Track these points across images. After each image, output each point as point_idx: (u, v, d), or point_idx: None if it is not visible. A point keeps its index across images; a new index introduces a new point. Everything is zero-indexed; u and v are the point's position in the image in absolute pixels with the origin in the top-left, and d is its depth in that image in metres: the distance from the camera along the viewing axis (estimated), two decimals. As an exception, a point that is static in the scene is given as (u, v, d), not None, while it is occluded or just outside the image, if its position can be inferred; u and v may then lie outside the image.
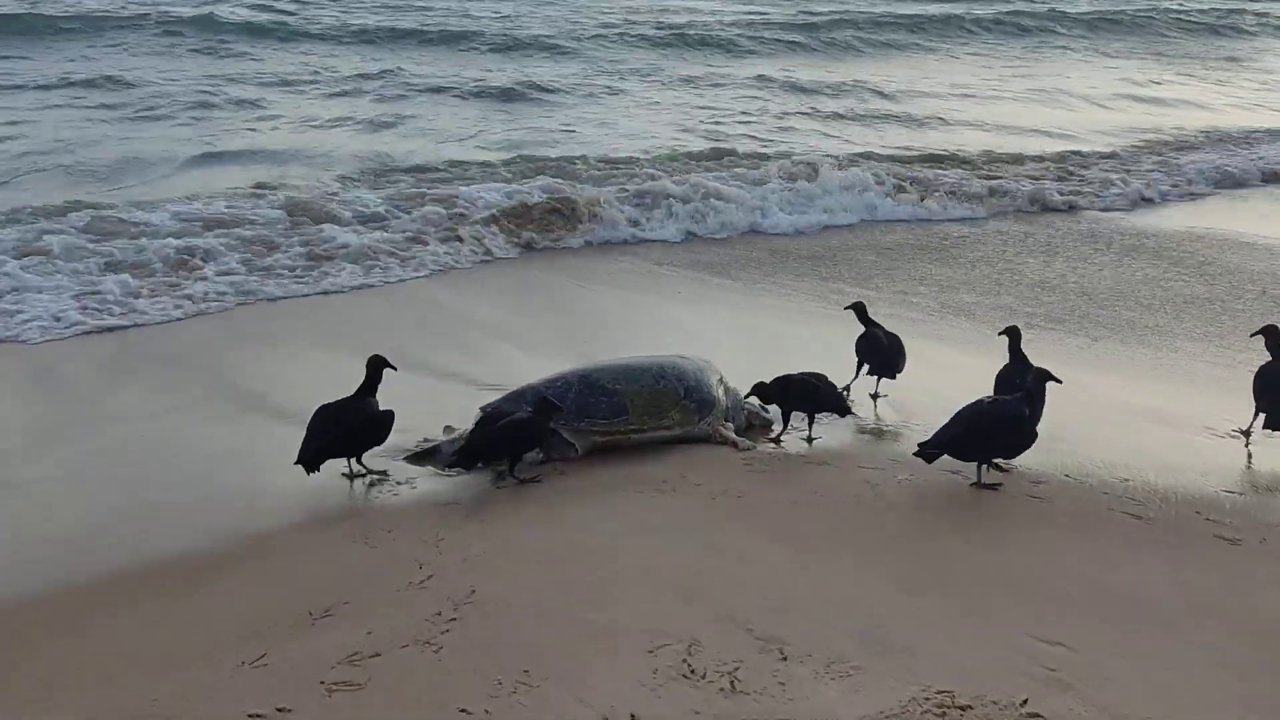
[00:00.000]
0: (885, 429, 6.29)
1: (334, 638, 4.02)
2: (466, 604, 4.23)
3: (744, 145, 14.62)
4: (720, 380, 6.25)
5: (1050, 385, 5.48)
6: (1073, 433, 6.10)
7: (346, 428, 5.47)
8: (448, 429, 5.98)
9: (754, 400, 6.33)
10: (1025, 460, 5.70)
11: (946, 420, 5.46)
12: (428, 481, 5.59)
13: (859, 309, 6.79)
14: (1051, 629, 4.06)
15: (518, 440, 5.49)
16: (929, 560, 4.62)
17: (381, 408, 5.60)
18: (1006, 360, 6.18)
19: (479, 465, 5.61)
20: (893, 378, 6.63)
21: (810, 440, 6.02)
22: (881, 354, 6.61)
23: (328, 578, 4.55)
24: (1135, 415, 6.53)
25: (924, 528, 4.96)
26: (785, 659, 3.82)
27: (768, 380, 6.04)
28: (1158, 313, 8.77)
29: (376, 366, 5.63)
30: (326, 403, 5.56)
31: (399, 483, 5.55)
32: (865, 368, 6.58)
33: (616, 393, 5.91)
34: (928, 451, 5.39)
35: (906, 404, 6.64)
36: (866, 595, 4.29)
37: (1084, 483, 5.46)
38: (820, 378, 6.04)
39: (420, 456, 5.84)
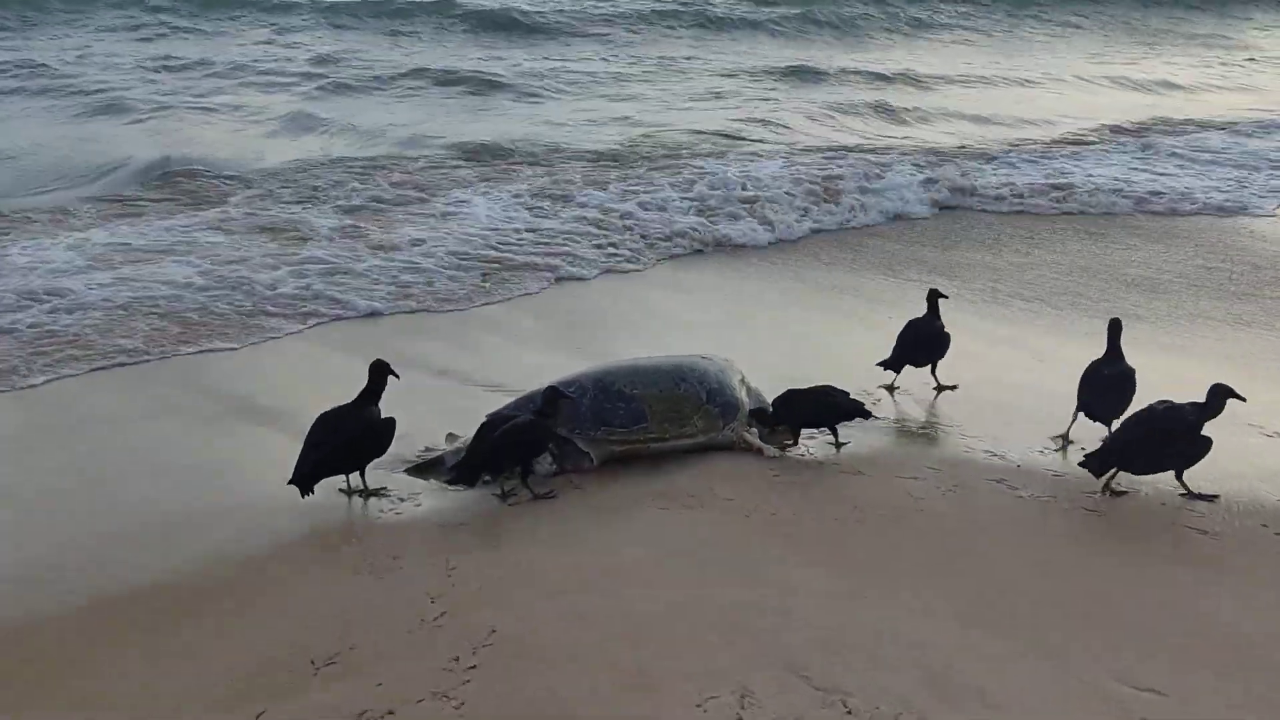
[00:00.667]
0: (914, 429, 5.90)
1: (341, 691, 3.61)
2: (485, 647, 3.82)
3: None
4: (742, 381, 5.84)
5: None
6: (1118, 434, 5.76)
7: (346, 436, 5.03)
8: (450, 436, 5.55)
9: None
10: (1069, 466, 5.34)
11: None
12: (432, 497, 5.16)
13: (931, 295, 6.37)
14: (1137, 670, 3.69)
15: (522, 447, 5.06)
16: (989, 587, 4.24)
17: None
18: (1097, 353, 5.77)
19: (484, 479, 5.18)
20: (917, 366, 6.30)
21: (838, 446, 5.62)
22: (911, 344, 6.27)
23: (329, 615, 4.13)
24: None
25: (977, 547, 4.57)
26: (850, 712, 3.43)
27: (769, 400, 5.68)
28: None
29: (380, 372, 5.18)
30: (325, 411, 5.13)
31: (401, 499, 5.12)
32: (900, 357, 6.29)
33: (635, 398, 5.48)
34: (1094, 464, 5.03)
35: (929, 400, 6.26)
36: (927, 631, 3.90)
37: (1138, 491, 5.09)
38: (830, 389, 5.64)
39: (422, 469, 5.41)
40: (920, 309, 6.39)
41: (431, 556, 4.54)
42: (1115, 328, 5.70)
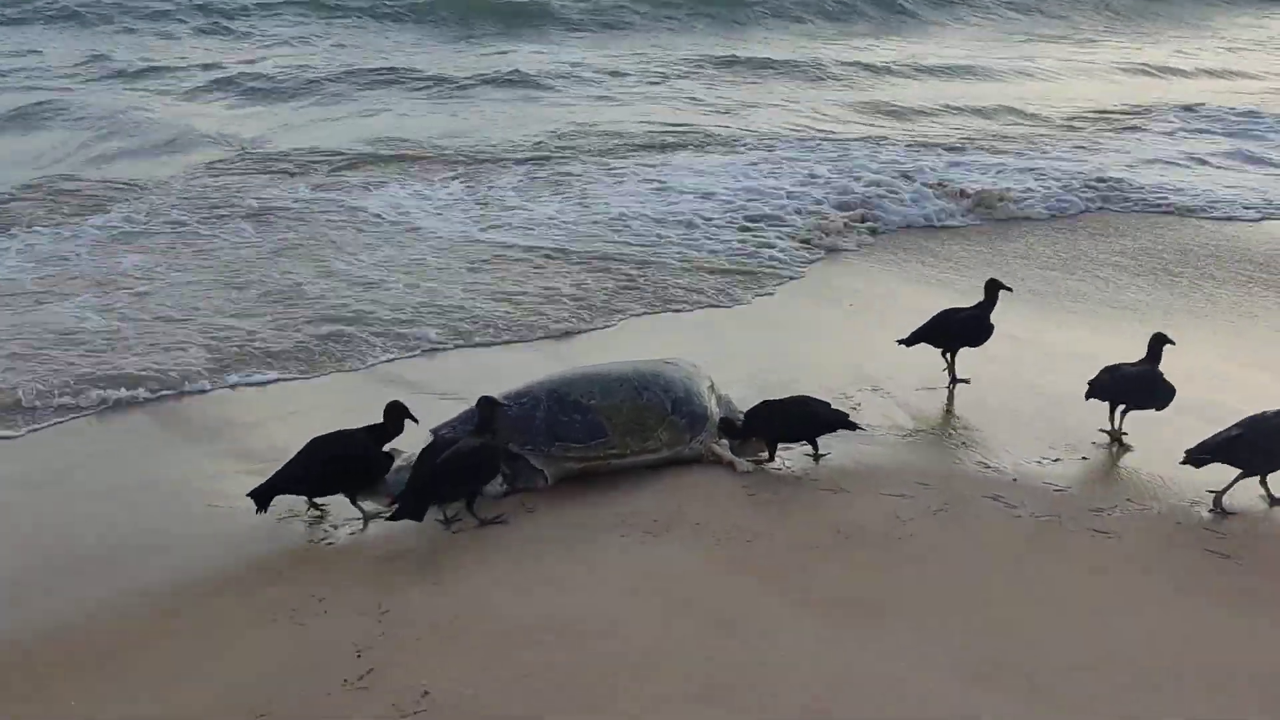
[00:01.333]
0: (899, 437, 5.39)
1: (242, 777, 3.06)
2: (419, 714, 3.29)
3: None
4: (711, 388, 5.31)
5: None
6: (1129, 437, 5.30)
7: (331, 456, 4.53)
8: (394, 453, 4.99)
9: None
10: (1076, 478, 4.88)
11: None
12: (373, 524, 4.59)
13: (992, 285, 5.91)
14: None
15: (470, 472, 4.48)
16: (994, 630, 3.75)
17: None
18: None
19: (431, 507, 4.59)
20: (943, 347, 5.91)
21: (817, 458, 5.12)
22: (939, 328, 5.86)
23: (246, 669, 3.58)
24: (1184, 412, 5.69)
25: (974, 580, 4.08)
26: (842, 797, 2.93)
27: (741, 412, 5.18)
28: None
29: (397, 415, 4.66)
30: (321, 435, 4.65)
31: (334, 526, 4.57)
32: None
33: (592, 409, 4.94)
34: (1198, 456, 4.62)
35: (916, 404, 5.78)
36: (929, 688, 3.41)
37: (1149, 509, 4.63)
38: (807, 399, 5.14)
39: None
40: None
41: (362, 597, 3.99)
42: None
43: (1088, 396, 5.28)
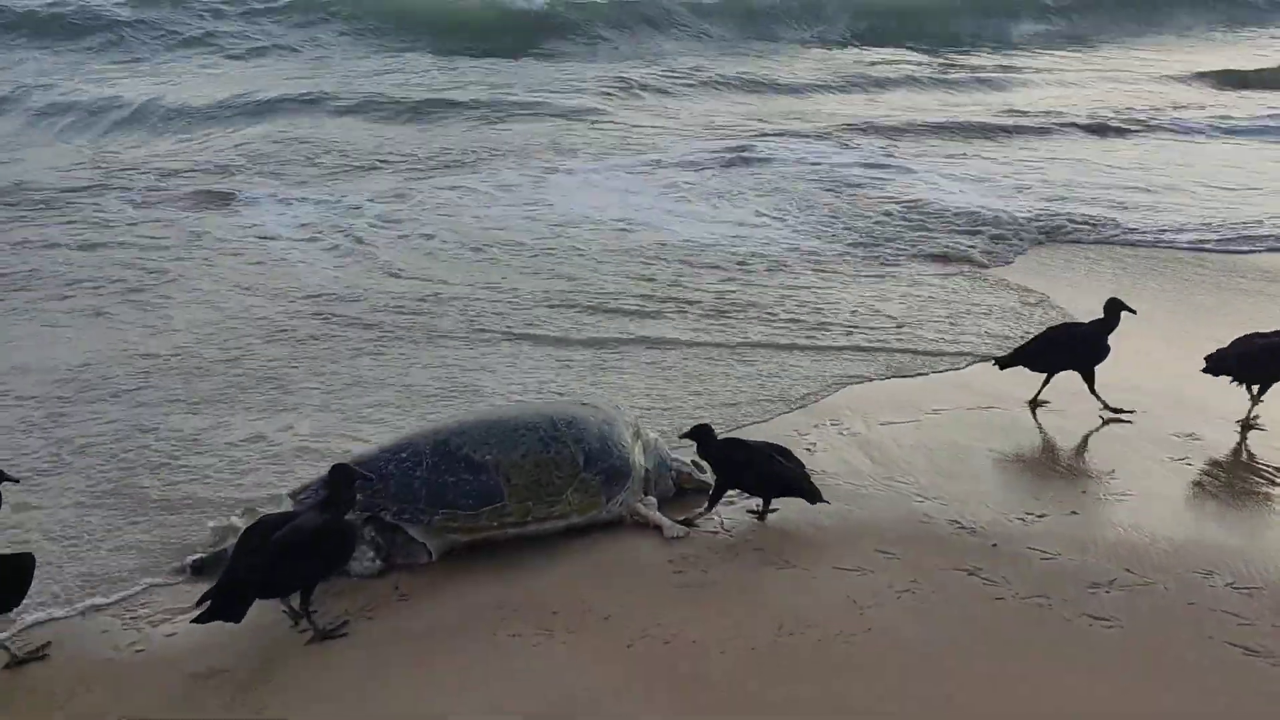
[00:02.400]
0: (856, 485, 4.57)
1: None
2: None
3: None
4: (637, 434, 4.47)
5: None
6: (1123, 483, 4.53)
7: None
8: (216, 529, 4.10)
9: (684, 460, 4.59)
10: (1066, 541, 4.08)
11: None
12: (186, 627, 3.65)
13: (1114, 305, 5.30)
14: None
15: (299, 564, 3.50)
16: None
17: None
18: None
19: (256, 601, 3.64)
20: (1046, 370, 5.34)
21: (762, 515, 4.30)
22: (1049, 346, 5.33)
23: None
24: (1176, 445, 4.91)
25: (952, 695, 3.25)
26: None
27: (713, 433, 4.33)
28: None
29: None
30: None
31: (152, 622, 3.68)
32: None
33: (486, 467, 4.08)
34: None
35: (878, 441, 4.97)
36: None
37: (1153, 583, 3.82)
38: (785, 452, 4.31)
39: (209, 564, 3.97)
40: None
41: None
42: None
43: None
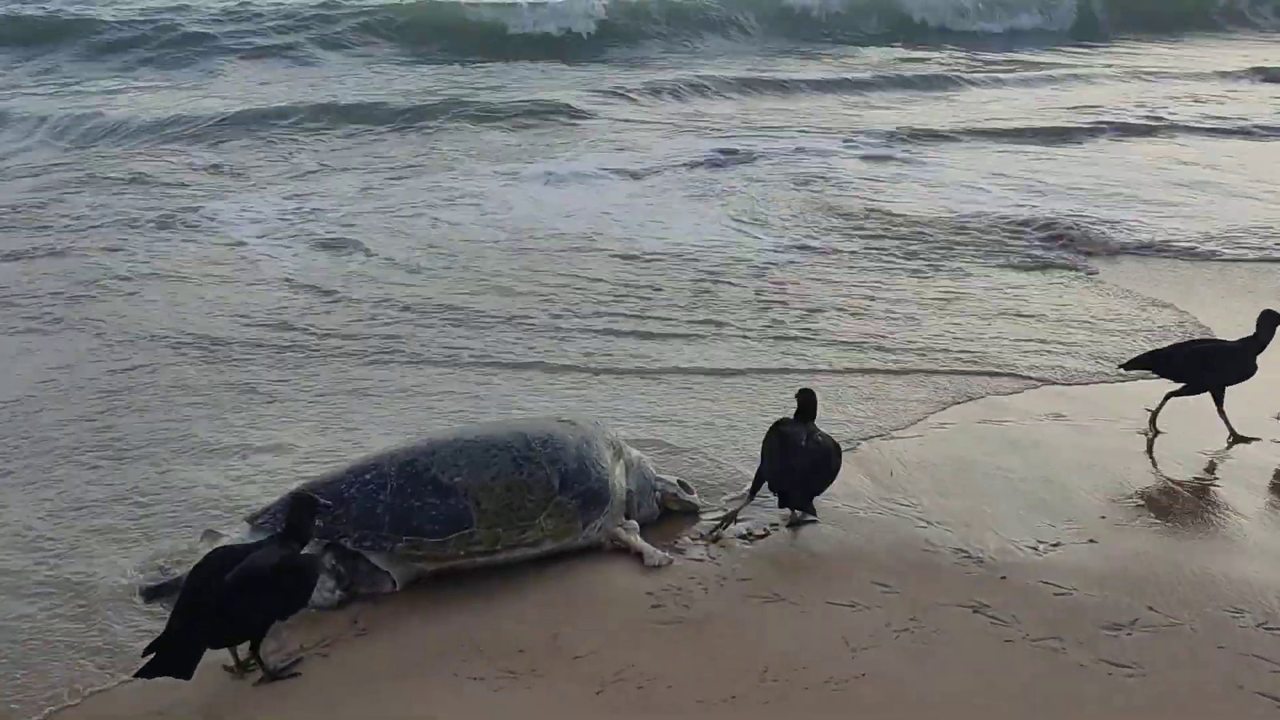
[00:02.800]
0: (852, 509, 4.24)
1: None
2: None
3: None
4: (618, 452, 4.16)
5: None
6: (1146, 507, 4.21)
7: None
8: (159, 569, 3.81)
9: (670, 479, 4.28)
10: (1082, 574, 3.75)
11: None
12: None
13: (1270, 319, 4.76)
14: None
15: (253, 608, 3.19)
16: None
17: None
18: None
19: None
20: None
21: (750, 536, 4.01)
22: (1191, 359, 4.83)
23: None
24: (1203, 465, 4.57)
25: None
26: None
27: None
28: None
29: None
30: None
31: (100, 666, 3.39)
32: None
33: (454, 490, 3.78)
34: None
35: (876, 457, 4.65)
36: None
37: (1179, 622, 3.49)
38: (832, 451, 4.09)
39: (159, 591, 3.69)
40: None
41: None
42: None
43: None
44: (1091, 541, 4.02)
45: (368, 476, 3.81)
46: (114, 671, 3.33)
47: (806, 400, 4.14)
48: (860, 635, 3.41)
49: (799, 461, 4.00)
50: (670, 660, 3.30)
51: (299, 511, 3.36)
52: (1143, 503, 4.32)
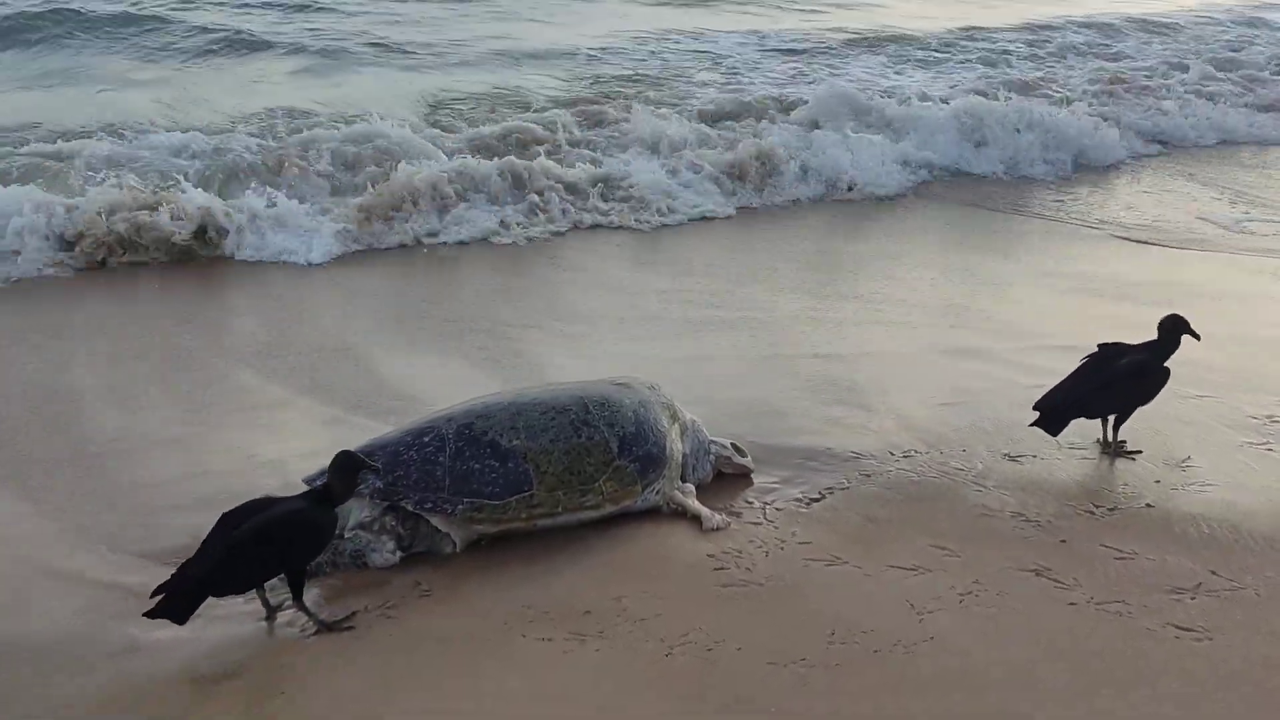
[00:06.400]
0: (905, 473, 4.24)
1: None
2: None
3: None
4: (674, 416, 4.16)
5: None
6: (1200, 471, 4.17)
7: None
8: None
9: (724, 443, 4.28)
10: (1142, 537, 3.74)
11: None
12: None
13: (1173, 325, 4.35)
14: None
15: (253, 559, 3.23)
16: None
17: None
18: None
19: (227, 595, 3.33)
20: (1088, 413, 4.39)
21: (804, 500, 4.02)
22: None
23: None
24: (1256, 429, 4.54)
25: (1030, 711, 2.95)
26: None
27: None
28: None
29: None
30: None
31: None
32: None
33: (515, 454, 3.78)
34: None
35: (925, 422, 4.64)
36: None
37: (1243, 587, 3.49)
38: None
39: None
40: None
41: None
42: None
43: None
44: (1148, 505, 4.01)
45: (426, 439, 3.82)
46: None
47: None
48: (924, 599, 3.42)
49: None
50: (736, 623, 3.31)
51: (339, 470, 3.39)
52: (1197, 467, 4.29)
